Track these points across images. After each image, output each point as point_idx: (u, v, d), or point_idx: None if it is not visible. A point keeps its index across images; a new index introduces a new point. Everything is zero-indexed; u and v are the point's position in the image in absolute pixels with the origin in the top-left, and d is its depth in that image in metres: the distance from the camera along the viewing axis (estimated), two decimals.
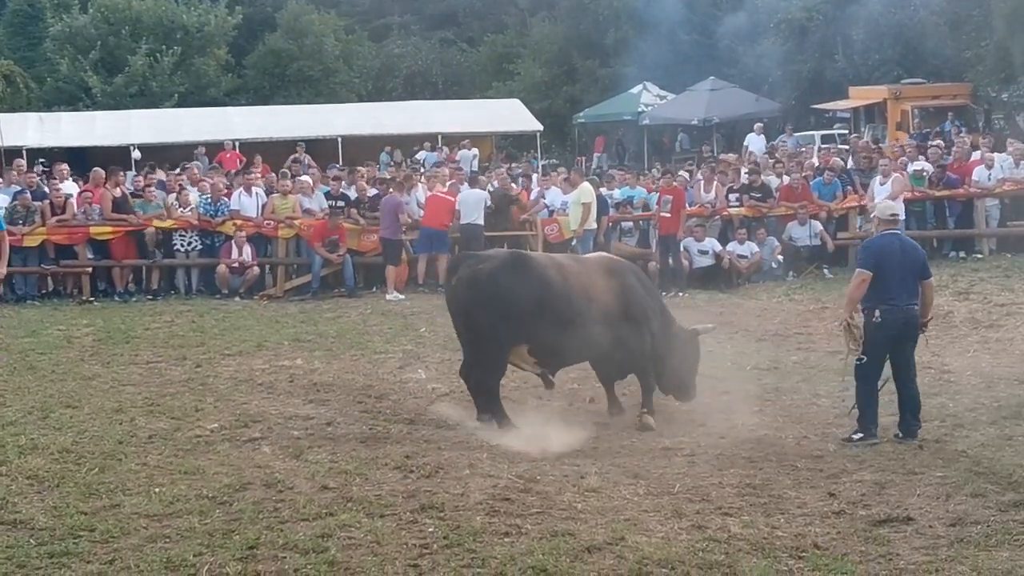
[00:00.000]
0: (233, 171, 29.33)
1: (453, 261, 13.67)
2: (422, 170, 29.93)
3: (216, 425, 12.97)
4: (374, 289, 23.60)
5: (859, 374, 12.08)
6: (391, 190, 24.16)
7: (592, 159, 44.99)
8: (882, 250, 12.10)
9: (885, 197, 21.64)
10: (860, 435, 11.92)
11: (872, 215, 13.64)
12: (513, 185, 26.27)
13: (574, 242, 23.38)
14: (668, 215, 23.27)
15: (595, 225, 23.25)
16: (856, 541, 8.91)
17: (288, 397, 14.57)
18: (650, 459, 11.43)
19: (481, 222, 23.55)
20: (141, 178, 25.78)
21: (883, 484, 10.43)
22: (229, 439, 12.37)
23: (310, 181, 25.43)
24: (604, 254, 16.13)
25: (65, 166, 26.25)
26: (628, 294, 13.35)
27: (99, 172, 24.41)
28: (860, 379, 12.08)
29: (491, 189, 25.08)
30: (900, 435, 11.96)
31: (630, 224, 24.98)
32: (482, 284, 12.66)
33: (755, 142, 37.17)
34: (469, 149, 36.94)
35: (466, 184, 25.41)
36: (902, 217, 12.39)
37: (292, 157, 32.93)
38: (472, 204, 23.70)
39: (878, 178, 22.57)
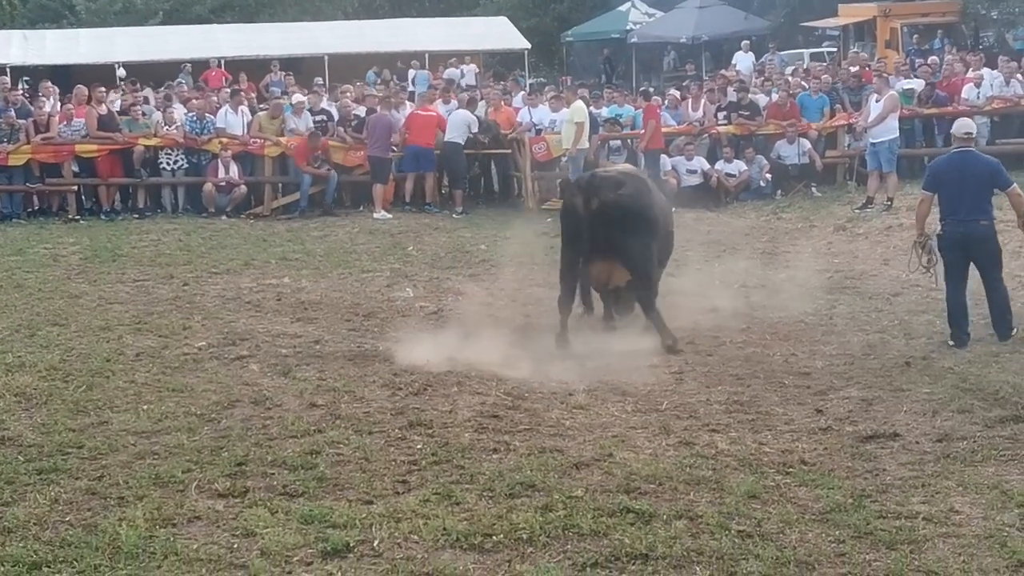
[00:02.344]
0: (218, 89, 29.09)
1: (584, 182, 13.10)
2: (411, 88, 29.74)
3: (204, 343, 12.99)
4: (360, 208, 23.52)
5: (946, 283, 12.76)
6: (378, 108, 24.04)
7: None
8: (941, 169, 12.88)
9: (877, 114, 21.62)
10: (952, 342, 12.44)
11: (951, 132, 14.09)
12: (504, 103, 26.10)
13: (564, 160, 23.36)
14: (642, 131, 23.36)
15: (587, 144, 23.18)
16: (843, 457, 8.94)
17: (276, 315, 14.57)
18: (638, 376, 11.42)
19: (461, 141, 23.53)
20: (130, 96, 25.53)
21: (870, 401, 10.47)
22: (217, 357, 12.37)
23: (303, 99, 25.23)
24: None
25: (49, 83, 26.09)
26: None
27: (82, 90, 24.23)
28: (946, 288, 12.76)
29: (479, 115, 24.81)
30: (994, 334, 12.56)
31: (618, 143, 24.87)
32: (636, 205, 12.67)
33: (743, 60, 36.97)
34: (457, 67, 36.65)
35: (454, 102, 25.32)
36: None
37: (264, 81, 32.53)
38: (456, 124, 23.61)
39: (874, 95, 22.44)
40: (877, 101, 21.96)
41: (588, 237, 12.65)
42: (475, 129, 23.88)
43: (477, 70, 37.08)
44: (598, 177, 13.10)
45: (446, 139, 23.51)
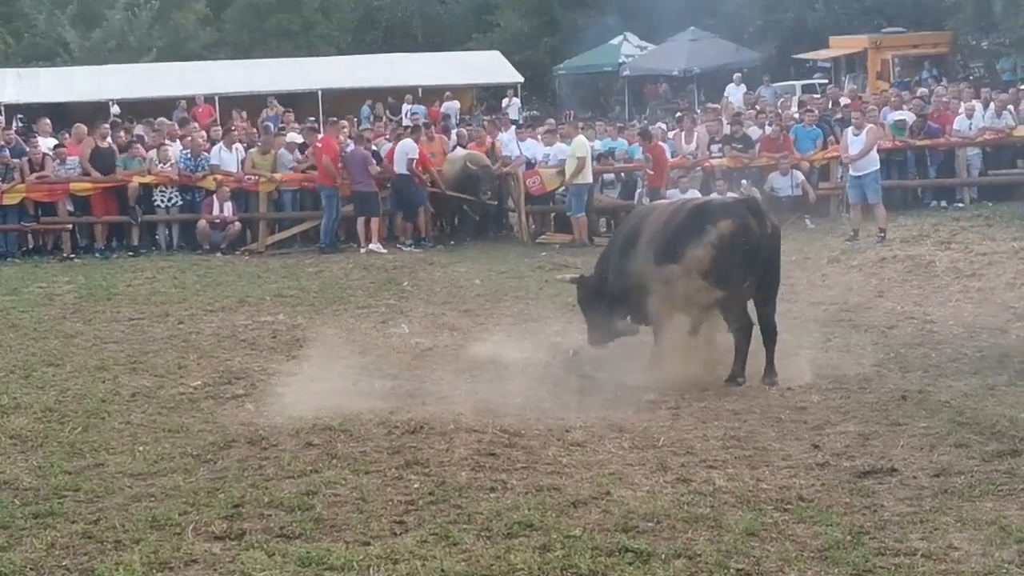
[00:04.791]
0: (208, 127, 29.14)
1: (754, 205, 12.87)
2: (405, 123, 29.82)
3: (199, 382, 12.95)
4: (352, 244, 23.53)
5: None
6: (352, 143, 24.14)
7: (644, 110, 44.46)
8: None
9: (861, 149, 21.63)
10: None
11: None
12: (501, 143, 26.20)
13: (560, 190, 23.46)
14: (651, 172, 23.36)
15: (590, 179, 23.27)
16: (841, 493, 8.90)
17: (271, 353, 14.55)
18: (634, 412, 11.39)
19: (405, 171, 23.56)
20: (123, 133, 25.50)
21: (867, 435, 10.43)
22: (212, 396, 12.35)
23: (297, 138, 25.26)
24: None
25: (47, 120, 26.19)
26: None
27: (81, 128, 24.30)
28: None
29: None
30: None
31: (612, 176, 24.92)
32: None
33: (735, 93, 37.11)
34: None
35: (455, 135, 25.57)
36: None
37: (262, 117, 32.61)
38: (399, 156, 23.64)
39: (850, 129, 22.44)
40: (856, 135, 21.94)
41: (756, 263, 12.49)
42: (413, 156, 23.73)
43: (520, 104, 37.31)
44: (760, 201, 13.24)
45: (396, 171, 23.61)
